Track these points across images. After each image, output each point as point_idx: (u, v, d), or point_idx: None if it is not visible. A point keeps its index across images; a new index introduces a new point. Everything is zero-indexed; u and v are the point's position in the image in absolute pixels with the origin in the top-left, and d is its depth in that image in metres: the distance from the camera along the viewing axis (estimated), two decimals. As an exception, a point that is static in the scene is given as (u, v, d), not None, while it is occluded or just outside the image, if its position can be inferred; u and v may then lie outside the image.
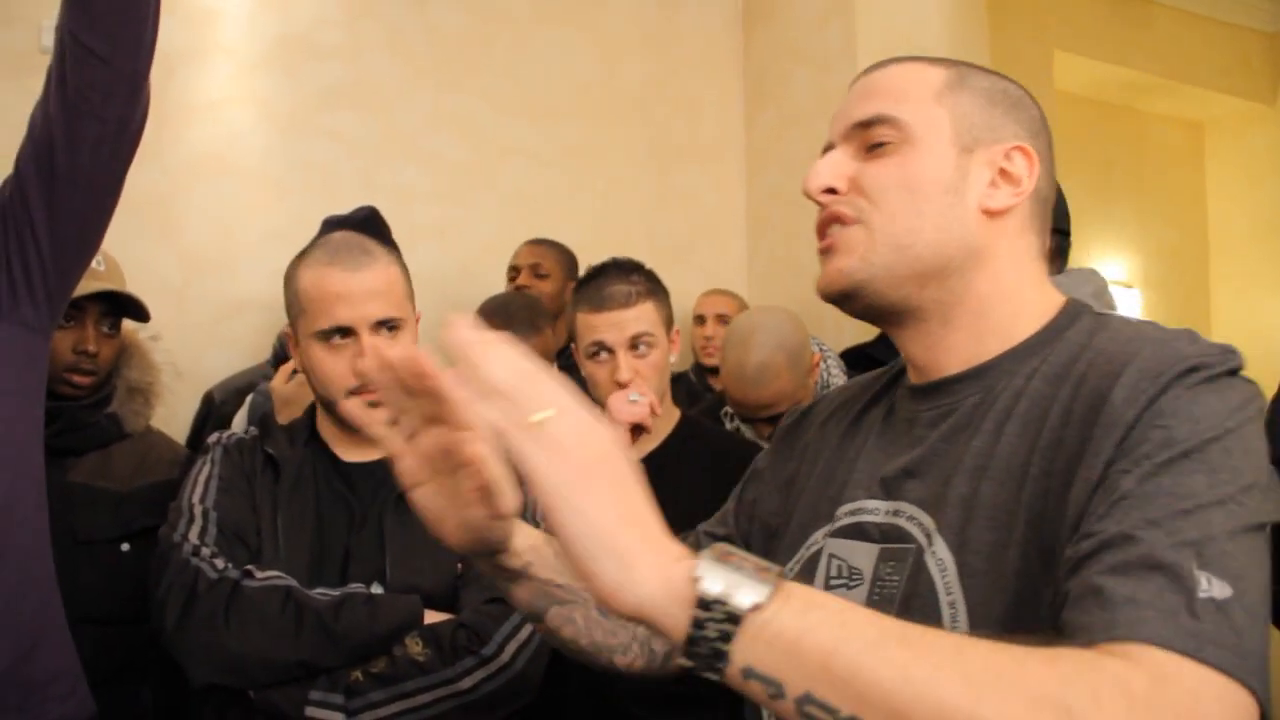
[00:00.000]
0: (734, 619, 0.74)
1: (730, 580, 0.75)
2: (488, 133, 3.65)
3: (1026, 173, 1.07)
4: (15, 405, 1.65)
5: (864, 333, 2.92)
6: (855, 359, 2.74)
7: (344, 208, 3.09)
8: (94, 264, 2.05)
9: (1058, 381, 0.98)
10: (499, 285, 3.17)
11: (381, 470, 1.76)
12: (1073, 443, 0.91)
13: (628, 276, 2.12)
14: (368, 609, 1.58)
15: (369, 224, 2.53)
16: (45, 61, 3.06)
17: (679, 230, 3.82)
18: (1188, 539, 0.79)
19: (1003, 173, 1.07)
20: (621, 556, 0.76)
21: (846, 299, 1.08)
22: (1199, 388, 0.88)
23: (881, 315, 1.11)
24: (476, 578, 1.67)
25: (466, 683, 1.56)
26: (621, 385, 2.02)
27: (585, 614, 1.15)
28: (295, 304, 1.75)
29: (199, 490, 1.71)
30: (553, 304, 3.15)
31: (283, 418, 2.25)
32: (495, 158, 3.65)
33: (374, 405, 1.70)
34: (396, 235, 2.24)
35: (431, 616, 1.62)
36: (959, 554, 0.96)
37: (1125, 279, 5.28)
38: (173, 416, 2.52)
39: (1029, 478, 0.93)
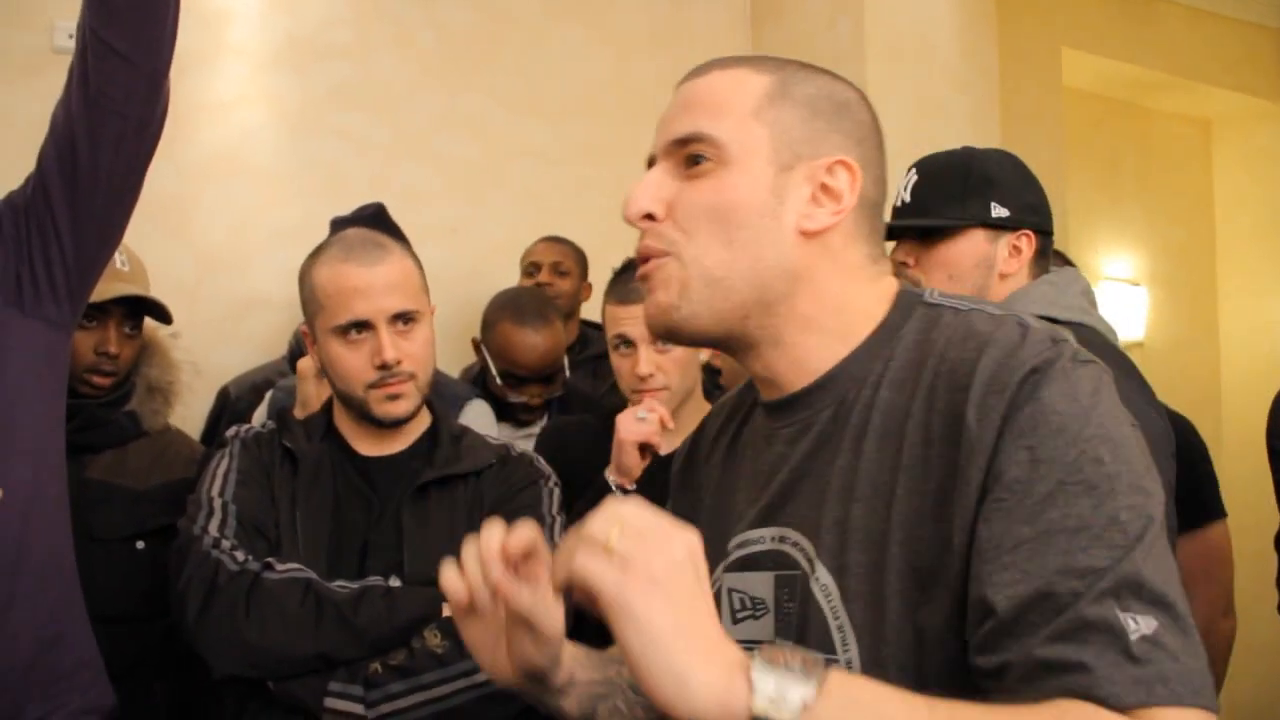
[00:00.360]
0: None
1: (780, 685, 0.79)
2: (497, 132, 3.67)
3: (848, 188, 1.04)
4: (39, 400, 1.68)
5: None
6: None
7: (354, 207, 3.11)
8: (118, 264, 2.07)
9: (907, 390, 0.98)
10: (509, 283, 3.18)
11: (398, 464, 1.78)
12: (938, 465, 0.93)
13: None
14: (387, 601, 1.60)
15: (377, 220, 2.55)
16: (58, 61, 3.12)
17: (689, 228, 3.84)
18: (1100, 590, 0.83)
19: (824, 188, 1.04)
20: (679, 672, 0.80)
21: (670, 336, 1.08)
22: (1046, 390, 0.90)
23: (712, 345, 1.11)
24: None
25: (483, 675, 1.57)
26: (641, 379, 2.03)
27: (626, 698, 1.16)
28: (312, 301, 1.77)
29: (218, 483, 1.73)
30: (570, 302, 3.17)
31: (300, 414, 2.27)
32: (505, 157, 3.67)
33: (393, 398, 1.73)
34: (407, 234, 2.26)
35: (449, 609, 1.64)
36: (839, 578, 0.97)
37: (1132, 276, 5.28)
38: (187, 411, 2.53)
39: (895, 498, 0.95)
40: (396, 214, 2.54)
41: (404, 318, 1.73)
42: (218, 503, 1.70)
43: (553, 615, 0.99)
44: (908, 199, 1.94)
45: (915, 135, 3.26)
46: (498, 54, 3.69)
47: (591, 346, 3.17)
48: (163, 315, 2.17)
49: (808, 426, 1.05)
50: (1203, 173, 5.72)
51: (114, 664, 1.80)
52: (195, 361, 2.35)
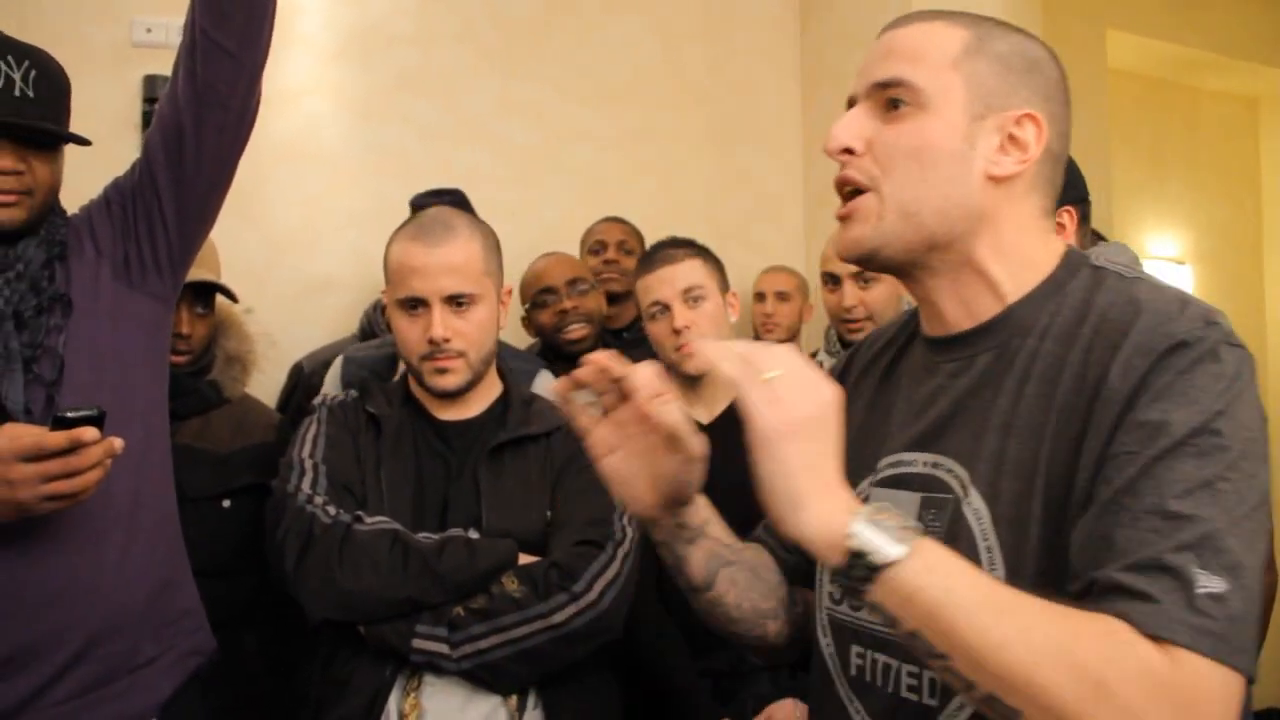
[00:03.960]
0: (872, 569, 0.93)
1: (875, 538, 0.93)
2: (554, 117, 3.75)
3: (1034, 139, 1.12)
4: (147, 368, 1.81)
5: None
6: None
7: (418, 190, 3.21)
8: None
9: (1067, 342, 1.07)
10: (566, 263, 3.27)
11: (474, 427, 1.90)
12: (1081, 410, 1.02)
13: (676, 243, 2.34)
14: (468, 550, 1.72)
15: (455, 205, 2.67)
16: (137, 55, 3.27)
17: (738, 210, 3.91)
18: (1186, 542, 0.91)
19: (1011, 138, 1.12)
20: (797, 499, 0.95)
21: (864, 262, 1.17)
22: (1192, 369, 0.97)
23: (895, 272, 1.19)
24: (565, 523, 1.80)
25: (559, 617, 1.70)
26: (677, 332, 2.20)
27: (747, 576, 1.27)
28: (387, 273, 1.91)
29: (308, 446, 1.86)
30: (633, 282, 3.26)
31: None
32: (562, 141, 3.75)
33: (441, 372, 1.85)
34: (468, 216, 2.36)
35: (525, 558, 1.76)
36: (992, 504, 1.06)
37: (1178, 255, 5.29)
38: (261, 387, 2.65)
39: (1047, 436, 1.04)
40: (458, 197, 2.66)
41: (458, 300, 1.85)
42: (309, 464, 1.83)
43: (695, 435, 1.11)
44: None
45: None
46: (554, 42, 3.78)
47: (649, 323, 3.26)
48: (229, 294, 2.30)
49: (969, 364, 1.14)
50: (1249, 151, 5.70)
51: (208, 614, 1.92)
52: (270, 333, 2.48)
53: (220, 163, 1.80)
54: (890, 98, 1.13)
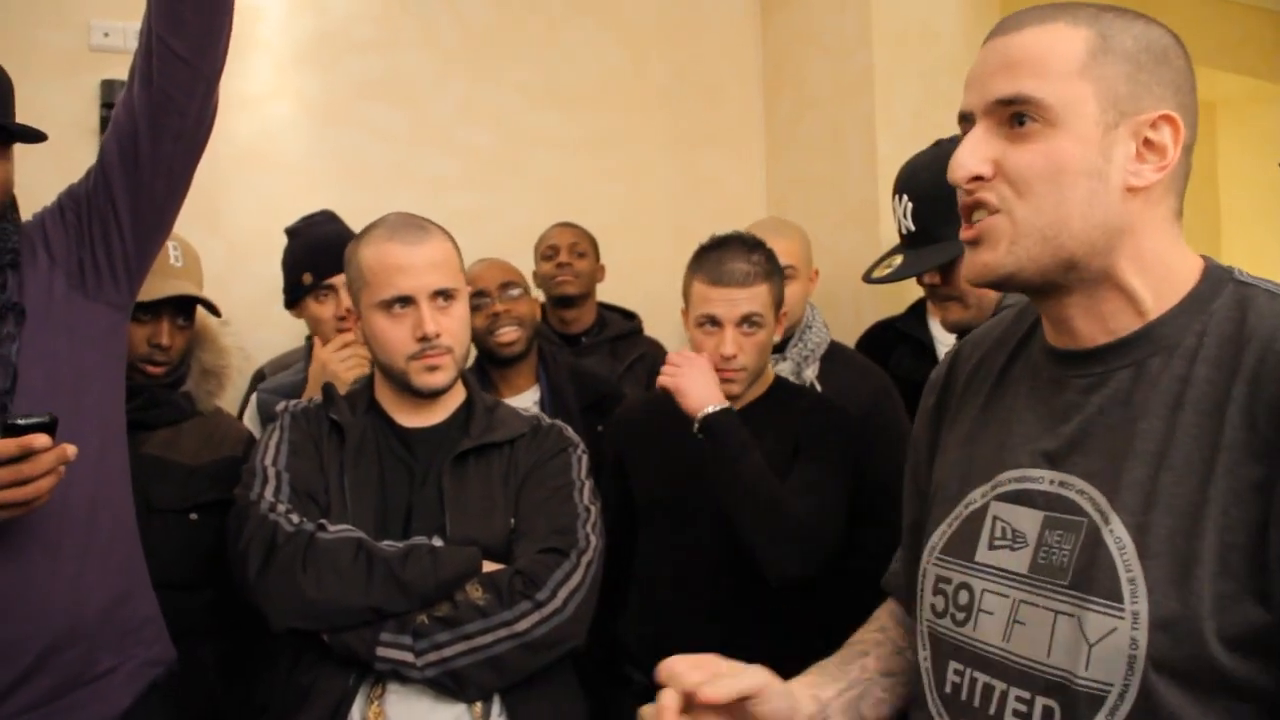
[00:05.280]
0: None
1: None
2: (517, 122, 3.75)
3: (1172, 142, 1.07)
4: (104, 377, 1.80)
5: (884, 309, 3.03)
6: (882, 332, 2.84)
7: (380, 196, 3.22)
8: (171, 259, 2.18)
9: (1226, 369, 1.02)
10: (529, 268, 3.28)
11: (437, 434, 1.90)
12: (1262, 451, 0.97)
13: (749, 256, 2.15)
14: (432, 558, 1.72)
15: (329, 222, 2.74)
16: (94, 59, 3.25)
17: (702, 214, 3.90)
18: None
19: (1147, 143, 1.06)
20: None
21: (997, 286, 1.12)
22: None
23: (1027, 291, 1.14)
24: (529, 531, 1.80)
25: (523, 625, 1.69)
26: (725, 359, 2.10)
27: (881, 685, 1.28)
28: (358, 278, 1.89)
29: (270, 454, 1.85)
30: (588, 283, 3.26)
31: (312, 391, 2.40)
32: (525, 146, 3.75)
33: (431, 369, 1.84)
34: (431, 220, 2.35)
35: (488, 566, 1.75)
36: (1138, 535, 1.00)
37: (1138, 257, 5.33)
38: (224, 396, 2.64)
39: (1215, 475, 0.98)
40: (420, 202, 2.64)
41: (444, 294, 1.85)
42: (271, 471, 1.82)
43: (756, 683, 1.11)
44: (912, 227, 2.04)
45: (921, 121, 3.37)
46: (517, 47, 3.78)
47: (609, 328, 3.26)
48: (211, 308, 2.28)
49: (1102, 381, 1.09)
50: (1206, 156, 5.75)
51: (169, 625, 1.91)
52: (244, 347, 2.46)
53: (176, 170, 1.79)
54: (1015, 114, 1.07)
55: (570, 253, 3.25)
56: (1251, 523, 0.96)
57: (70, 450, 1.52)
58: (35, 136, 1.74)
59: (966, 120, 1.12)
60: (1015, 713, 1.06)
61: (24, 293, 1.72)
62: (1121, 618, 0.98)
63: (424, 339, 1.82)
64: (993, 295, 1.94)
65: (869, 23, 3.43)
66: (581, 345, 3.18)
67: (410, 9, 3.66)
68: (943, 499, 1.22)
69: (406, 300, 1.83)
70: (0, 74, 1.75)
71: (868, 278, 2.24)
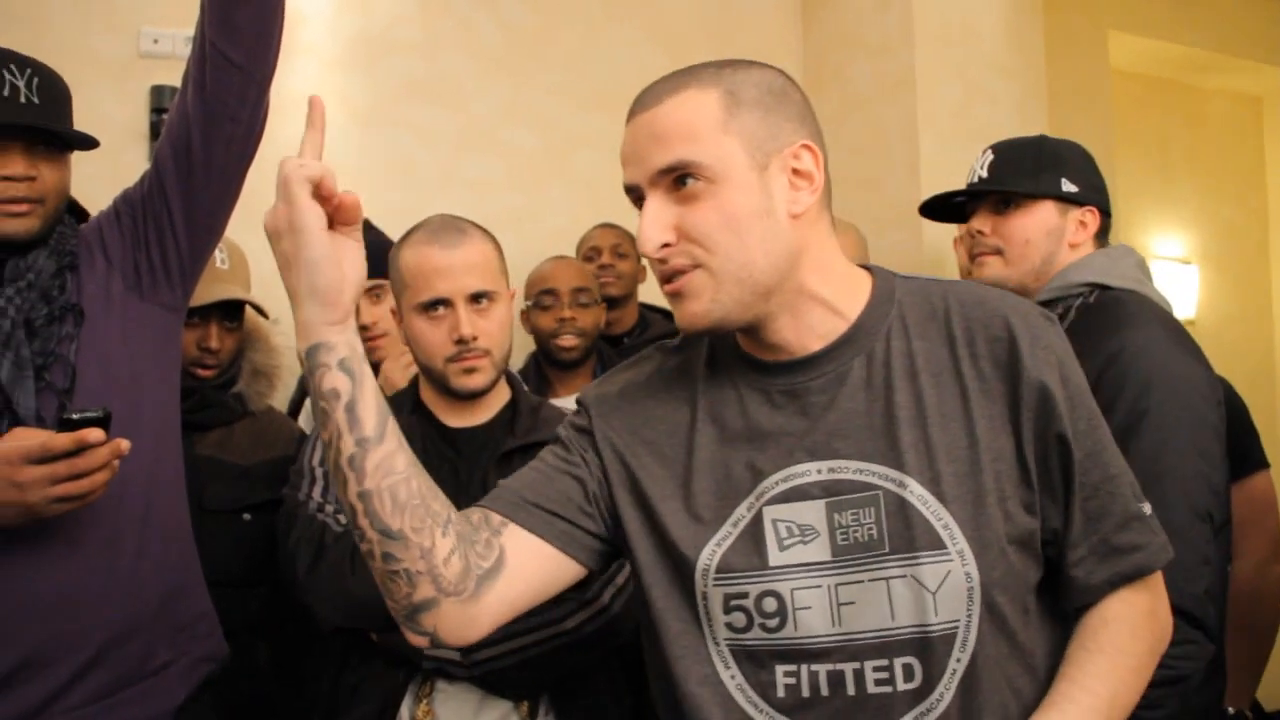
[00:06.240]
0: None
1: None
2: (559, 123, 3.76)
3: (815, 167, 1.21)
4: (159, 376, 1.83)
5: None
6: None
7: (424, 197, 3.24)
8: (218, 262, 2.21)
9: (939, 340, 1.22)
10: (571, 269, 3.29)
11: (482, 434, 1.91)
12: (999, 392, 1.19)
13: None
14: (479, 557, 1.73)
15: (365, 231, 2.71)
16: (145, 66, 3.29)
17: (743, 214, 3.91)
18: (1134, 487, 1.25)
19: (795, 172, 1.20)
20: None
21: (711, 332, 1.22)
22: (1063, 344, 1.24)
23: (741, 329, 1.25)
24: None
25: (569, 623, 1.70)
26: None
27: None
28: (399, 281, 1.91)
29: (319, 453, 1.87)
30: (630, 284, 3.26)
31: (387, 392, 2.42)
32: (566, 147, 3.76)
33: (469, 371, 1.86)
34: (474, 222, 2.38)
35: None
36: (934, 487, 1.16)
37: (1184, 255, 5.28)
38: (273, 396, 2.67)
39: (974, 419, 1.19)
40: (464, 203, 2.66)
41: (481, 297, 1.86)
42: (319, 471, 1.84)
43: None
44: (985, 174, 2.08)
45: (963, 121, 3.36)
46: (558, 49, 3.79)
47: (651, 329, 3.26)
48: (260, 310, 2.31)
49: (842, 375, 1.23)
50: (1254, 150, 5.69)
51: (223, 624, 1.94)
52: (295, 347, 2.47)
53: (228, 174, 1.81)
54: (678, 177, 1.17)
55: (612, 254, 3.26)
56: (1010, 450, 1.18)
57: (125, 444, 1.54)
58: (88, 143, 1.78)
59: (633, 193, 1.22)
60: (878, 682, 1.16)
61: (82, 294, 1.76)
62: (951, 559, 1.14)
63: (460, 341, 1.83)
64: (1035, 255, 2.01)
65: (910, 22, 3.42)
66: (623, 346, 3.18)
67: (452, 11, 3.69)
68: (699, 520, 1.24)
69: (444, 303, 1.85)
70: (59, 82, 1.79)
71: (925, 205, 2.24)
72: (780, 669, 1.18)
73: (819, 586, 1.17)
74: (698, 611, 1.23)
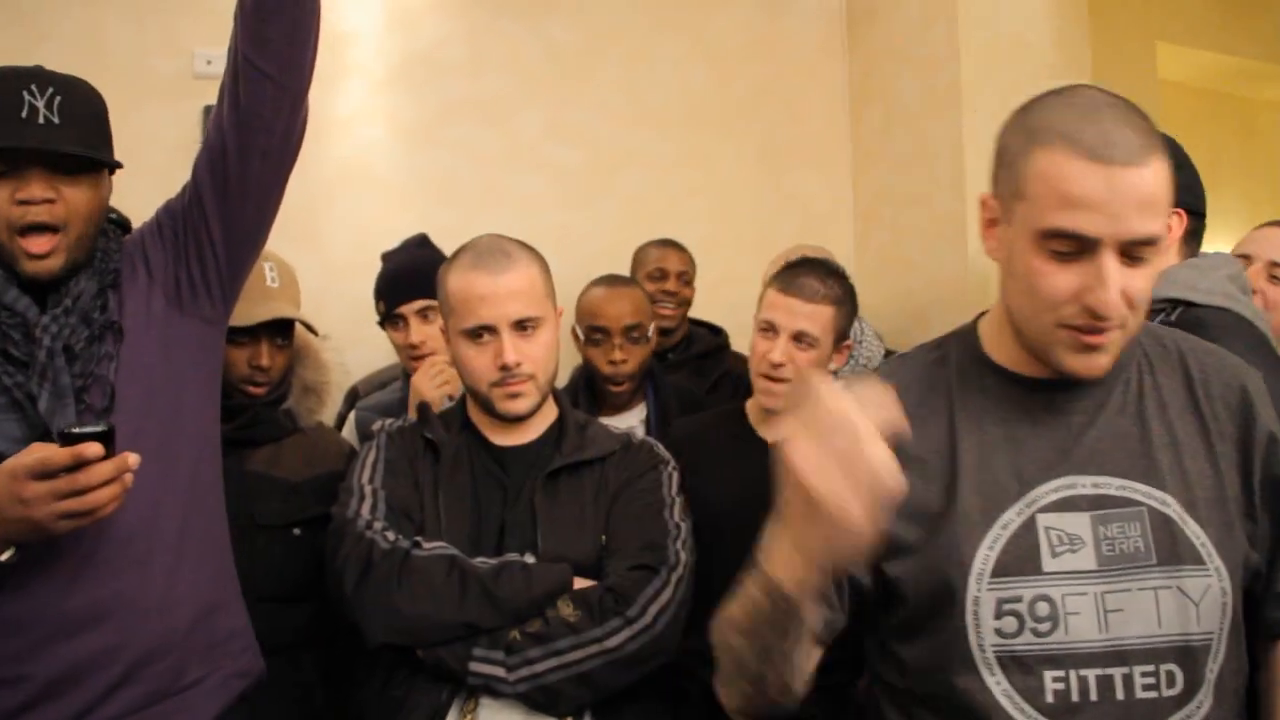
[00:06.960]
0: None
1: None
2: (603, 141, 3.79)
3: (1176, 223, 1.41)
4: (198, 391, 1.83)
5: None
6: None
7: (471, 215, 3.26)
8: (267, 279, 2.22)
9: (1180, 378, 1.35)
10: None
11: (530, 452, 1.92)
12: (1234, 435, 1.31)
13: (825, 278, 2.23)
14: (524, 575, 1.74)
15: (423, 247, 2.78)
16: (198, 86, 3.35)
17: (788, 230, 3.89)
18: None
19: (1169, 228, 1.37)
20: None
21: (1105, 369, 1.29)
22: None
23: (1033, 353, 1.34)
24: (620, 548, 1.82)
25: (614, 641, 1.71)
26: (774, 365, 2.16)
27: None
28: (446, 304, 1.93)
29: (367, 472, 1.89)
30: (687, 309, 3.27)
31: (410, 413, 2.44)
32: (611, 165, 3.79)
33: (513, 396, 1.87)
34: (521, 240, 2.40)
35: (580, 583, 1.77)
36: (1190, 510, 1.26)
37: (1236, 268, 5.21)
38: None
39: (1216, 452, 1.30)
40: (509, 221, 2.68)
41: (526, 324, 1.87)
42: (368, 489, 1.86)
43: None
44: None
45: (1010, 135, 3.33)
46: (602, 67, 3.82)
47: (695, 345, 3.26)
48: (309, 328, 2.32)
49: (1104, 400, 1.33)
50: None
51: (272, 638, 1.95)
52: (345, 363, 2.50)
53: (265, 187, 1.81)
54: (1141, 250, 1.20)
55: (678, 280, 3.25)
56: (1238, 486, 1.29)
57: (132, 459, 1.51)
58: (112, 165, 1.76)
59: (1072, 238, 1.19)
60: (1145, 687, 1.21)
61: (123, 311, 1.75)
62: (1210, 575, 1.23)
63: (505, 368, 1.85)
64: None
65: (956, 36, 3.40)
66: (667, 361, 3.18)
67: (498, 31, 3.72)
68: (967, 524, 1.28)
69: (489, 329, 1.86)
70: (89, 100, 1.76)
71: None
72: (1049, 674, 1.22)
73: (1086, 594, 1.23)
74: (965, 619, 1.25)
